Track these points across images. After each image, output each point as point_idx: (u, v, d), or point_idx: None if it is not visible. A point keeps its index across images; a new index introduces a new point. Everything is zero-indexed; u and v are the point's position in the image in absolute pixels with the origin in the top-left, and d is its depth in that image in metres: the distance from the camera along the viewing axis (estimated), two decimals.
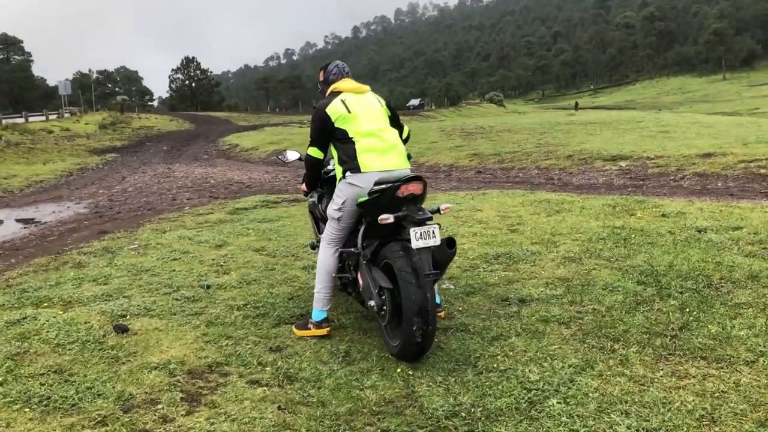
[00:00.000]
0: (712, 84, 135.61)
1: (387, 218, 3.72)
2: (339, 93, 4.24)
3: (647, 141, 15.97)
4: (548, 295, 4.77)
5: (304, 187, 4.85)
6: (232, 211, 9.28)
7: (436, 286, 4.01)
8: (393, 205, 3.81)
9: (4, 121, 35.17)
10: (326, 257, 4.34)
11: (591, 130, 19.64)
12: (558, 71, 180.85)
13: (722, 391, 3.16)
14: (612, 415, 2.98)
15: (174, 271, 5.84)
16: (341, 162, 4.14)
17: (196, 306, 4.87)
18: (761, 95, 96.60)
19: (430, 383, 3.48)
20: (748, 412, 2.97)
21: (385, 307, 3.88)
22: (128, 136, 35.09)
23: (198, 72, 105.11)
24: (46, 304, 4.91)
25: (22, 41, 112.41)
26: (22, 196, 14.60)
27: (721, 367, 3.43)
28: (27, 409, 3.25)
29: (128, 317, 4.59)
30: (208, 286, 5.35)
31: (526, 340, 3.96)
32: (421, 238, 3.65)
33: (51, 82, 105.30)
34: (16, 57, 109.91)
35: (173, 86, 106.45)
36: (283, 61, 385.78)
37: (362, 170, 4.02)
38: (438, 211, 3.86)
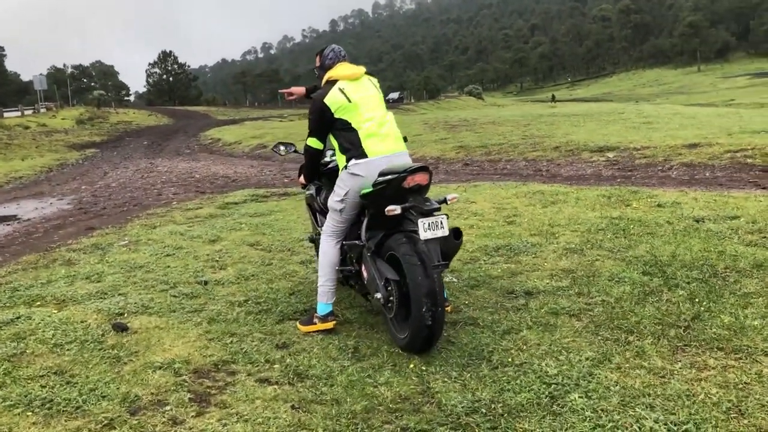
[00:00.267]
0: (688, 76, 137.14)
1: (394, 209, 3.62)
2: (335, 81, 4.13)
3: (631, 132, 16.02)
4: (554, 287, 4.71)
5: (302, 179, 4.74)
6: (222, 205, 9.13)
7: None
8: (398, 196, 3.72)
9: None
10: (328, 250, 4.24)
11: (575, 122, 19.68)
12: (535, 64, 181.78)
13: (745, 382, 3.11)
14: (637, 409, 2.92)
15: (169, 267, 5.70)
16: (344, 150, 4.04)
17: (195, 303, 4.75)
18: (736, 87, 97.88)
19: (446, 379, 3.40)
20: None
21: (391, 299, 3.79)
22: (107, 132, 34.63)
23: (175, 66, 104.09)
24: (39, 303, 4.76)
25: None
26: (1, 193, 14.28)
27: (740, 358, 3.38)
28: (29, 413, 3.12)
29: (126, 315, 4.45)
30: (206, 282, 5.22)
31: (538, 333, 3.90)
32: (429, 229, 3.56)
33: (24, 77, 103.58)
34: None
35: (150, 81, 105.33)
36: (260, 55, 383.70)
37: (369, 155, 3.93)
38: (445, 201, 3.76)
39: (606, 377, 3.25)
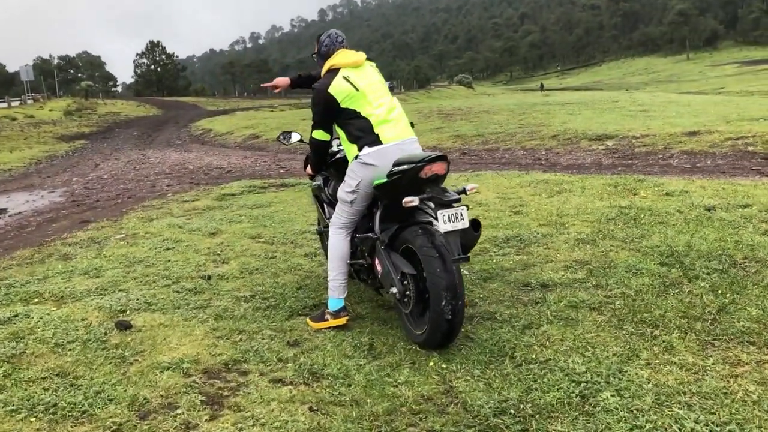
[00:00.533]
0: (677, 64, 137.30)
1: (412, 201, 3.46)
2: (337, 70, 3.95)
3: (629, 120, 15.92)
4: (570, 279, 4.58)
5: (309, 170, 4.56)
6: (219, 197, 8.93)
7: None
8: (414, 186, 3.56)
9: None
10: (338, 242, 4.08)
11: (570, 110, 19.56)
12: (525, 53, 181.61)
13: None
14: (674, 408, 2.78)
15: (169, 261, 5.52)
16: (354, 139, 3.86)
17: (199, 298, 4.58)
18: (725, 75, 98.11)
19: (468, 377, 3.25)
20: None
21: (408, 293, 3.64)
22: (96, 123, 34.19)
23: (164, 57, 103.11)
24: (36, 300, 4.58)
25: None
26: None
27: None
28: (33, 419, 2.95)
29: (128, 312, 4.28)
30: (209, 277, 5.05)
31: (559, 328, 3.76)
32: (449, 221, 3.40)
33: (10, 68, 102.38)
34: None
35: (138, 71, 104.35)
36: (248, 45, 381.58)
37: (383, 142, 3.77)
38: (464, 191, 3.59)
39: (637, 374, 3.11)
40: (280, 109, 39.24)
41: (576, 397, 2.95)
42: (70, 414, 2.98)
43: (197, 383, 3.28)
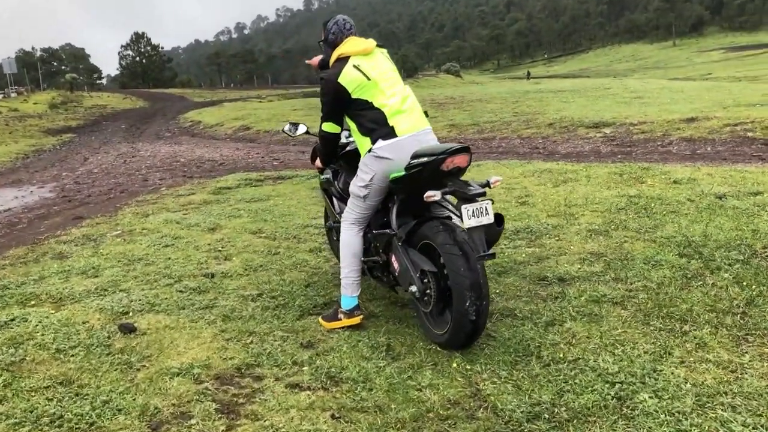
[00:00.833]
0: (663, 50, 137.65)
1: (434, 195, 3.29)
2: (346, 58, 3.76)
3: (624, 107, 15.81)
4: (588, 272, 4.43)
5: (318, 163, 4.37)
6: (215, 191, 8.72)
7: None
8: (434, 179, 3.38)
9: None
10: (351, 239, 3.90)
11: (563, 98, 19.45)
12: (512, 41, 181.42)
13: None
14: (717, 410, 2.65)
15: (170, 259, 5.34)
16: (367, 131, 3.68)
17: (204, 298, 4.40)
18: (711, 61, 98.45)
19: (495, 379, 3.10)
20: None
21: (428, 292, 3.47)
22: (82, 116, 33.70)
23: (149, 48, 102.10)
24: (33, 303, 4.38)
25: None
26: None
27: None
28: None
29: (131, 314, 4.10)
30: (212, 275, 4.87)
31: (584, 324, 3.61)
32: (473, 216, 3.23)
33: None
34: None
35: (123, 63, 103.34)
36: (234, 36, 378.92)
37: (398, 134, 3.60)
38: (488, 184, 3.41)
39: (672, 374, 2.98)
40: (269, 99, 38.87)
41: (612, 399, 2.81)
42: (77, 426, 2.81)
43: (210, 390, 3.11)
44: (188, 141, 19.73)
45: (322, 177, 4.64)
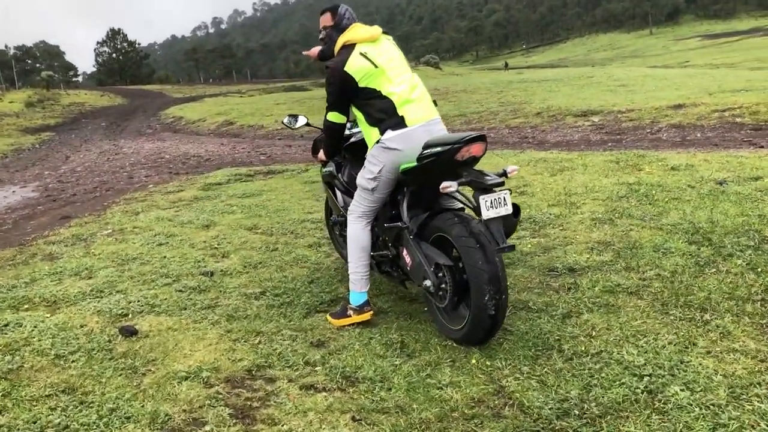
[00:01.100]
0: (640, 39, 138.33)
1: (450, 186, 3.16)
2: (352, 46, 3.62)
3: (610, 95, 15.81)
4: (598, 261, 4.35)
5: (322, 156, 4.21)
6: (205, 187, 8.54)
7: None
8: (448, 170, 3.26)
9: None
10: (358, 233, 3.77)
11: (548, 87, 19.43)
12: (490, 32, 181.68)
13: None
14: (753, 402, 2.56)
15: (165, 257, 5.18)
16: (376, 121, 3.54)
17: (205, 297, 4.26)
18: (688, 49, 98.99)
19: (517, 375, 3.00)
20: None
21: (443, 286, 3.36)
22: (60, 114, 33.13)
23: (125, 44, 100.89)
24: (27, 306, 4.21)
25: None
26: None
27: None
28: None
29: (131, 316, 3.95)
30: (212, 273, 4.73)
31: (601, 315, 3.52)
32: (491, 207, 3.11)
33: None
34: None
35: (99, 60, 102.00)
36: (211, 31, 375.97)
37: (408, 124, 3.47)
38: (505, 174, 3.29)
39: (701, 365, 2.89)
40: (249, 94, 38.52)
41: (642, 393, 2.72)
42: None
43: (221, 394, 2.98)
44: (171, 137, 19.44)
45: (325, 170, 4.49)
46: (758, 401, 2.57)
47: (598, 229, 5.04)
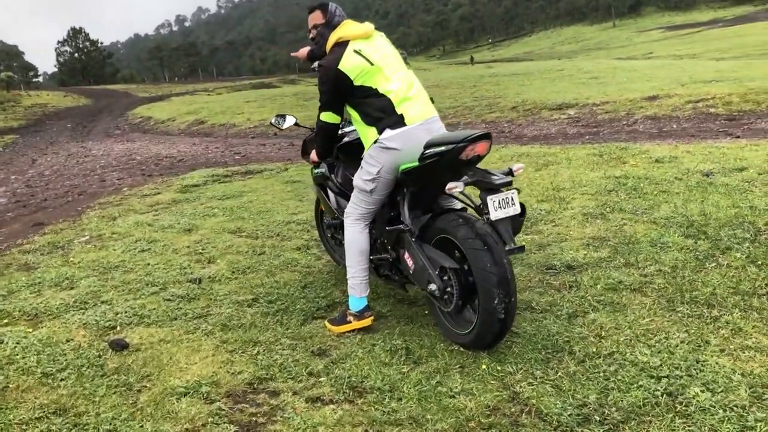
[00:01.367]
0: (604, 31, 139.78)
1: (456, 186, 3.06)
2: (345, 43, 3.50)
3: (582, 88, 15.86)
4: (596, 258, 4.29)
5: (314, 156, 4.06)
6: (182, 189, 8.32)
7: None
8: (451, 169, 3.16)
9: None
10: (356, 235, 3.65)
11: (520, 81, 19.45)
12: (456, 26, 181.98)
13: None
14: None
15: (149, 264, 4.99)
16: (373, 121, 3.42)
17: (196, 306, 4.10)
18: (651, 40, 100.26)
19: (531, 380, 2.91)
20: None
21: (449, 290, 3.25)
22: (23, 115, 32.28)
23: (87, 44, 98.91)
24: (6, 321, 4.01)
25: None
26: None
27: None
28: None
29: (119, 329, 3.78)
30: (199, 281, 4.56)
31: (608, 315, 3.45)
32: (500, 207, 3.02)
33: None
34: None
35: (61, 60, 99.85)
36: (175, 29, 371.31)
37: (407, 123, 3.36)
38: (510, 172, 3.20)
39: (717, 364, 2.83)
40: (217, 92, 38.05)
41: (662, 395, 2.65)
42: None
43: (224, 410, 2.84)
44: (141, 138, 19.05)
45: (316, 171, 4.35)
46: None
47: (591, 225, 4.99)
